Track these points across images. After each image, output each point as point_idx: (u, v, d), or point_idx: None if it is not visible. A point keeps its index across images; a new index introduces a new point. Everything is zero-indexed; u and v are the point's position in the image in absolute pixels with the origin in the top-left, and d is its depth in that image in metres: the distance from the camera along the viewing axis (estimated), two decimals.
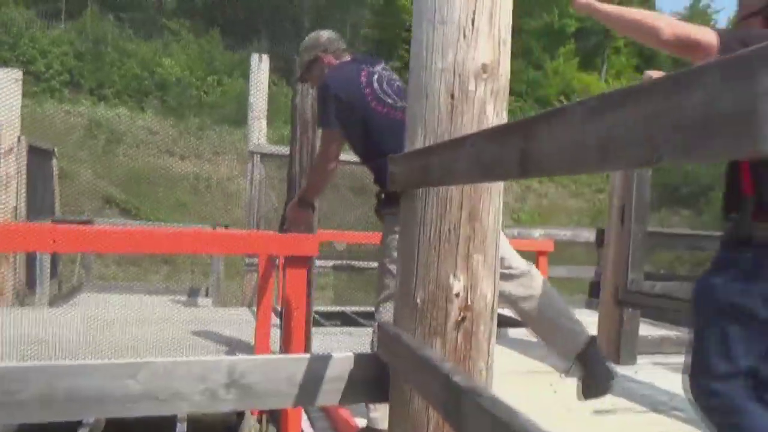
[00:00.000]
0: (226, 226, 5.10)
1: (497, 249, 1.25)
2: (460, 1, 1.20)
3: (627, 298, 3.20)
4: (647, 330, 4.02)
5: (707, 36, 1.41)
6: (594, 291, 3.70)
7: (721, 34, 1.43)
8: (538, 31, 23.97)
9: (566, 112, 0.62)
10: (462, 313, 1.17)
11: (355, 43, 22.61)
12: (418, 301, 1.19)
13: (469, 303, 1.18)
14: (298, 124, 3.02)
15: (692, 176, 17.89)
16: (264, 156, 4.99)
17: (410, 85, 1.28)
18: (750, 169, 1.45)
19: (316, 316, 4.57)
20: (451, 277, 1.18)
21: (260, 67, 4.91)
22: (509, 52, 1.25)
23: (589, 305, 4.95)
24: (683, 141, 0.46)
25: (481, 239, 1.20)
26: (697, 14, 26.49)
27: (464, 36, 1.20)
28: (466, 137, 0.86)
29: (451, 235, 1.18)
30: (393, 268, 1.82)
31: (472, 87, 1.20)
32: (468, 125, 1.19)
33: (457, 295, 1.17)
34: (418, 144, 1.22)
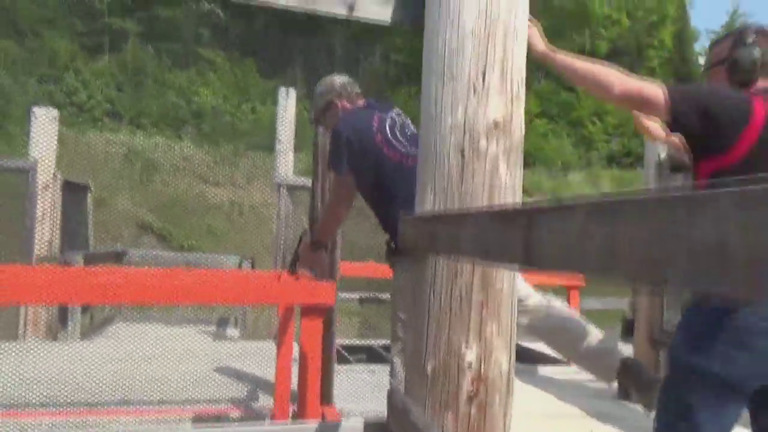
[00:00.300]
0: (252, 261, 5.11)
1: (514, 312, 1.19)
2: (470, 56, 1.16)
3: (663, 338, 3.05)
4: None
5: (655, 93, 1.43)
6: (628, 329, 3.55)
7: (669, 90, 1.44)
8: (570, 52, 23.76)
9: (569, 209, 0.57)
10: (475, 386, 1.10)
11: (386, 69, 22.89)
12: (429, 370, 1.13)
13: (483, 374, 1.11)
14: (320, 161, 3.01)
15: None
16: (291, 188, 5.01)
17: (420, 141, 1.24)
18: None
19: (341, 349, 4.52)
20: (463, 345, 1.12)
21: (287, 101, 4.96)
22: (523, 107, 1.20)
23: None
24: (692, 272, 0.40)
25: (496, 305, 1.13)
26: None
27: (474, 91, 1.16)
28: (471, 212, 0.81)
29: (462, 300, 1.12)
30: (404, 316, 1.77)
31: (483, 144, 1.15)
32: (479, 185, 1.14)
33: (470, 365, 1.11)
34: (428, 204, 1.17)
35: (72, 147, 15.29)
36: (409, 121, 2.19)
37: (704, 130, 1.43)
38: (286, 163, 5.03)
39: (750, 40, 1.52)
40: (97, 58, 21.13)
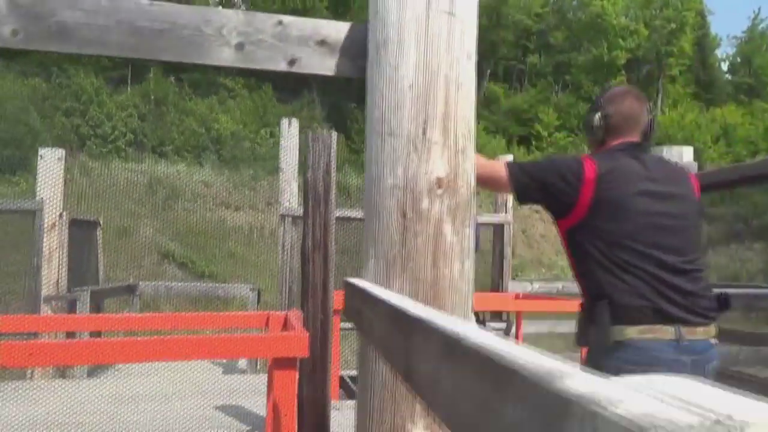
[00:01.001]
0: (258, 292, 5.09)
1: None
2: (409, 111, 1.09)
3: None
4: None
5: (498, 173, 1.58)
6: None
7: (510, 168, 1.59)
8: (587, 65, 23.57)
9: (433, 331, 0.49)
10: None
11: None
12: None
13: None
14: (311, 198, 2.96)
15: (761, 207, 16.78)
16: (296, 218, 4.99)
17: (364, 202, 1.17)
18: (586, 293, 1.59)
19: (347, 380, 4.44)
20: (409, 423, 1.04)
21: (289, 132, 4.96)
22: (471, 160, 1.13)
23: None
24: None
25: None
26: (755, 37, 25.34)
27: (415, 149, 1.09)
28: (380, 299, 0.74)
29: None
30: None
31: (425, 205, 1.08)
32: (422, 247, 1.07)
33: None
34: (370, 269, 1.10)
35: (96, 178, 15.64)
36: None
37: (546, 198, 1.58)
38: (290, 192, 5.01)
39: (595, 105, 1.68)
40: (120, 90, 21.70)
